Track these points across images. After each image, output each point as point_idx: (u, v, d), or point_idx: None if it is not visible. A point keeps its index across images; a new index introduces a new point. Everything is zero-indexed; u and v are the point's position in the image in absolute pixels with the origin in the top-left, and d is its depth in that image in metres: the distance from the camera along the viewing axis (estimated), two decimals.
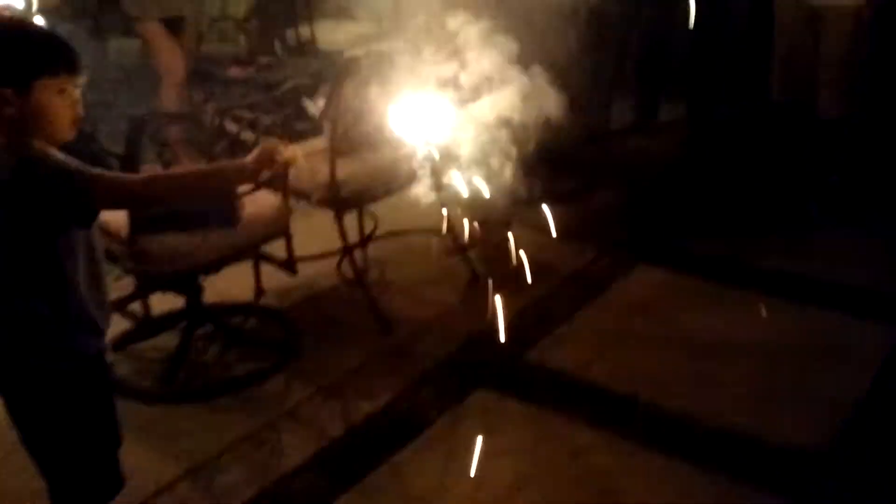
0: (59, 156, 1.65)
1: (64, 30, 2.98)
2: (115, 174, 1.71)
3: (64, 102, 1.63)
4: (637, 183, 4.14)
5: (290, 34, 5.06)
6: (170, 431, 2.60)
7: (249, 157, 1.82)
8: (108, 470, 1.87)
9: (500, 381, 2.74)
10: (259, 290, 3.31)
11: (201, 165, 2.74)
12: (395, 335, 3.04)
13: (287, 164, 1.86)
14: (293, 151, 1.85)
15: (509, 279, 2.94)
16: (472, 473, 2.28)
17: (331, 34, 4.82)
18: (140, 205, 2.12)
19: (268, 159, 1.81)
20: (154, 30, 4.23)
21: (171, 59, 4.23)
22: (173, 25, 4.27)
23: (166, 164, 2.78)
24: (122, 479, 1.90)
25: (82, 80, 1.67)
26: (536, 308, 3.14)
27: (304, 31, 5.06)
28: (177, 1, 4.29)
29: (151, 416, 2.66)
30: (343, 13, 5.54)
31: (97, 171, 1.65)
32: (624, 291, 3.31)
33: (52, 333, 1.71)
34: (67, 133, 1.67)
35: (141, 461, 2.46)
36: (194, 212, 2.64)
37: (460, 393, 2.70)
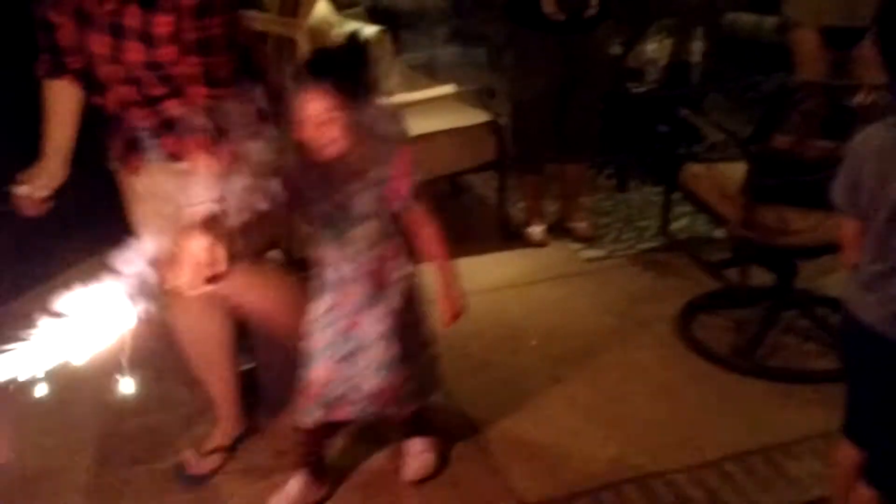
0: None
1: None
2: None
3: None
4: None
5: None
6: (744, 404, 2.58)
7: None
8: None
9: None
10: None
11: None
12: None
13: None
14: None
15: None
16: None
17: None
18: None
19: None
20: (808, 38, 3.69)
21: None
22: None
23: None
24: None
25: None
26: None
27: None
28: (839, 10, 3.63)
29: (727, 383, 2.69)
30: None
31: None
32: None
33: None
34: None
35: (710, 426, 2.50)
36: (821, 190, 2.51)
37: None
